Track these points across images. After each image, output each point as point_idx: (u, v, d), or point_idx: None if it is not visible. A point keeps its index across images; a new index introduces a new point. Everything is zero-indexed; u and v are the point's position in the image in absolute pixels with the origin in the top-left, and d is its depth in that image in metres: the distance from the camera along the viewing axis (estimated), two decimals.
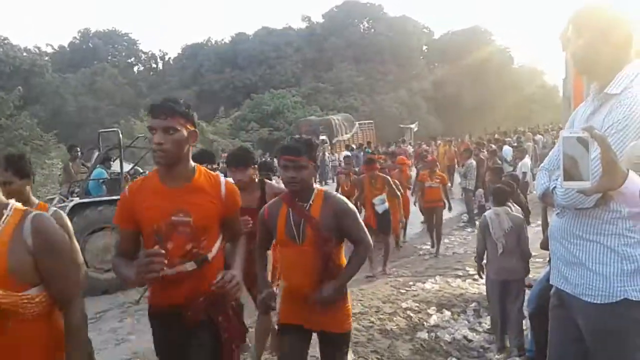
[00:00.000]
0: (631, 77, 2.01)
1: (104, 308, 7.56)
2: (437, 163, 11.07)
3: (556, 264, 2.25)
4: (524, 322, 4.85)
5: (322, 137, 23.34)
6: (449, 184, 13.82)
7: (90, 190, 8.98)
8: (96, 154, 9.66)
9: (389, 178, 8.41)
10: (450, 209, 10.02)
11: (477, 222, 11.19)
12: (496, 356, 4.88)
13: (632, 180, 1.58)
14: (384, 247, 8.30)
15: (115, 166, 9.44)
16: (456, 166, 17.36)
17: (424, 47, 52.00)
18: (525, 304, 4.66)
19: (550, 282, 2.32)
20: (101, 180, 9.13)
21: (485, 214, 5.03)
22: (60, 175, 11.92)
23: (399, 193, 8.76)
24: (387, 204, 8.07)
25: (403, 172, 10.73)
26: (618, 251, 2.00)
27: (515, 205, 5.32)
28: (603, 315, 2.03)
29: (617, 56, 2.05)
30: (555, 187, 2.11)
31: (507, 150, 14.76)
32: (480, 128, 30.69)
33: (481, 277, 5.37)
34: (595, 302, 2.05)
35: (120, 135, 9.24)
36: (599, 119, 2.03)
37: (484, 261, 5.12)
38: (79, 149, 10.29)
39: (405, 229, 10.66)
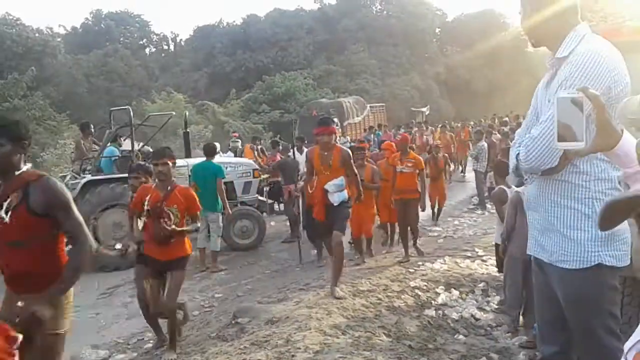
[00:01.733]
0: (577, 39, 2.07)
1: (116, 284, 7.68)
2: (410, 142, 9.47)
3: (532, 233, 2.30)
4: None
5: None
6: (447, 177, 12.73)
7: (103, 168, 9.06)
8: (107, 132, 9.72)
9: (349, 152, 5.81)
10: (423, 207, 7.82)
11: (487, 205, 11.20)
12: (506, 336, 4.88)
13: (626, 141, 1.57)
14: (334, 252, 5.64)
15: (126, 144, 9.50)
16: (453, 155, 16.93)
17: (437, 30, 51.39)
18: None
19: (528, 252, 2.35)
20: (113, 158, 9.19)
21: (519, 190, 4.91)
22: (72, 153, 12.00)
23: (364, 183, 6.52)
24: (346, 193, 5.61)
25: (388, 159, 8.11)
26: (592, 217, 2.02)
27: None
28: (577, 281, 2.06)
29: (563, 23, 2.11)
30: (518, 153, 2.14)
31: None
32: (491, 112, 30.41)
33: (501, 257, 5.28)
34: (570, 267, 2.08)
35: (132, 114, 9.28)
36: (555, 85, 2.07)
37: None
38: (92, 126, 10.34)
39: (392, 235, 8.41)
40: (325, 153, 5.59)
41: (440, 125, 19.05)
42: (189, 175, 8.70)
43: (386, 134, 18.40)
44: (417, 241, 7.70)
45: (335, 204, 5.54)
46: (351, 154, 5.86)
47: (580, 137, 1.58)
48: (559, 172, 2.06)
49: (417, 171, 7.65)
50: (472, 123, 23.20)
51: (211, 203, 7.83)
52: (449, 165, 10.32)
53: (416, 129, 19.16)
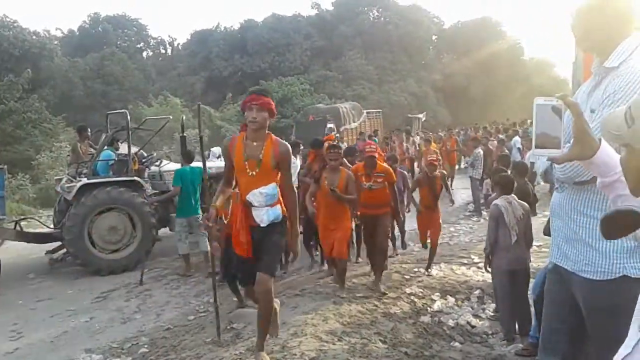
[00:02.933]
0: (629, 50, 2.00)
1: (110, 288, 7.64)
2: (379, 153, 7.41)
3: (556, 241, 2.25)
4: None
5: (329, 125, 23.29)
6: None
7: (99, 171, 9.04)
8: (104, 135, 9.70)
9: (289, 148, 3.83)
10: (403, 214, 7.49)
11: (483, 212, 11.21)
12: (502, 344, 4.88)
13: (604, 150, 1.57)
14: (260, 304, 3.78)
15: (123, 148, 9.48)
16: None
17: (434, 37, 51.61)
18: (530, 291, 4.67)
19: (550, 259, 2.32)
20: (110, 162, 9.18)
21: (497, 202, 4.95)
22: (68, 156, 11.94)
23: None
24: (279, 209, 3.74)
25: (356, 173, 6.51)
26: None
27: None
28: (602, 292, 2.03)
29: (615, 30, 2.04)
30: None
31: (518, 140, 14.71)
32: (488, 119, 30.53)
33: (487, 270, 5.34)
34: (594, 278, 2.05)
35: (129, 117, 9.25)
36: (599, 94, 2.04)
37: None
38: (89, 129, 10.30)
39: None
40: (254, 143, 3.70)
41: (424, 140, 17.07)
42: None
43: (364, 142, 14.99)
44: (382, 275, 6.21)
45: (262, 225, 3.69)
46: (294, 147, 4.18)
47: (559, 145, 1.58)
48: (593, 184, 2.04)
49: (387, 184, 6.32)
50: (456, 131, 23.04)
51: (195, 206, 8.09)
52: (448, 186, 8.35)
53: (394, 137, 17.32)
